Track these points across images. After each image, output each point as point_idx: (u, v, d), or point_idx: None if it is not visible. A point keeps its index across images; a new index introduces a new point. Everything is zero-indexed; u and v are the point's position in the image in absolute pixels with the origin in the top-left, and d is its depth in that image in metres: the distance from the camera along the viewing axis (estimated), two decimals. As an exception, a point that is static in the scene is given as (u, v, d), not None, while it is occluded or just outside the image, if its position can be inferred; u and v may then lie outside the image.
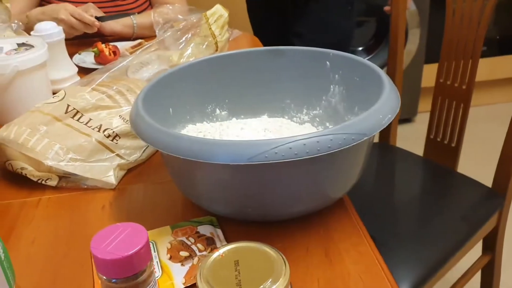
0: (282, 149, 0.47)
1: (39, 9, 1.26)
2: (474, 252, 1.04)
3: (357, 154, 0.55)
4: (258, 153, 0.46)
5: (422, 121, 2.26)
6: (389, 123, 0.52)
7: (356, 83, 0.67)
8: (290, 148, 0.47)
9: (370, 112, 0.51)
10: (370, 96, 0.58)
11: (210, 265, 0.37)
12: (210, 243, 0.55)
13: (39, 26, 0.99)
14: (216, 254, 0.38)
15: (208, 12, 0.93)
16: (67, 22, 1.20)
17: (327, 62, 0.70)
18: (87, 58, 1.18)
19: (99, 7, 1.31)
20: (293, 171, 0.51)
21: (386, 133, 1.28)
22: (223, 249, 0.38)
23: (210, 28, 0.91)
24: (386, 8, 1.30)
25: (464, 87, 1.09)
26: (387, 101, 0.53)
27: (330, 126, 0.72)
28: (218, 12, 0.94)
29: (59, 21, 1.19)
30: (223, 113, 0.74)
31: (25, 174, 0.68)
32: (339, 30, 1.43)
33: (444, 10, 1.03)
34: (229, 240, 0.56)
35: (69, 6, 1.22)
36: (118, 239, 0.38)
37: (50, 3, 1.34)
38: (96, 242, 0.38)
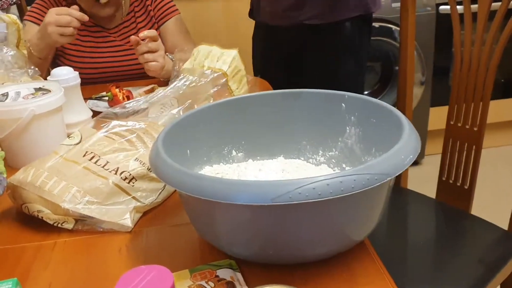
0: (306, 189, 0.46)
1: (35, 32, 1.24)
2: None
3: (379, 195, 0.54)
4: (282, 194, 0.46)
5: (430, 163, 2.26)
6: (411, 163, 0.52)
7: (373, 125, 0.67)
8: (314, 188, 0.47)
9: (392, 152, 0.51)
10: (388, 137, 0.58)
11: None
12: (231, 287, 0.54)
13: (56, 71, 1.00)
14: (245, 297, 0.37)
15: (229, 70, 0.94)
16: (53, 23, 1.15)
17: (343, 104, 0.70)
18: (100, 102, 1.20)
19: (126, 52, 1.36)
20: (316, 212, 0.50)
21: (398, 175, 1.27)
22: (252, 292, 0.37)
23: (228, 84, 0.93)
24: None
25: (475, 128, 1.09)
26: (408, 141, 0.54)
27: (346, 167, 0.71)
28: (237, 68, 0.95)
29: (47, 25, 1.15)
30: (239, 154, 0.74)
31: (42, 217, 0.67)
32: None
33: (449, 54, 1.05)
34: (249, 284, 0.55)
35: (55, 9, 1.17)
36: (144, 282, 0.37)
37: (64, 49, 1.37)
38: (122, 284, 0.37)
